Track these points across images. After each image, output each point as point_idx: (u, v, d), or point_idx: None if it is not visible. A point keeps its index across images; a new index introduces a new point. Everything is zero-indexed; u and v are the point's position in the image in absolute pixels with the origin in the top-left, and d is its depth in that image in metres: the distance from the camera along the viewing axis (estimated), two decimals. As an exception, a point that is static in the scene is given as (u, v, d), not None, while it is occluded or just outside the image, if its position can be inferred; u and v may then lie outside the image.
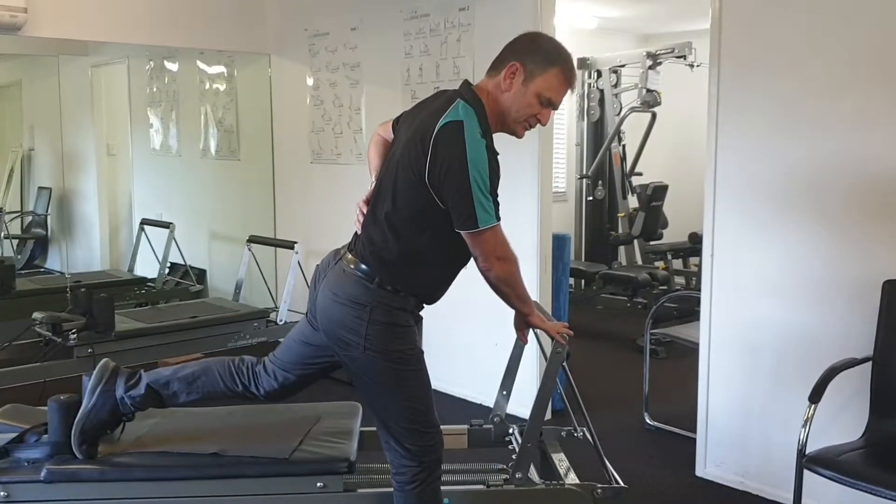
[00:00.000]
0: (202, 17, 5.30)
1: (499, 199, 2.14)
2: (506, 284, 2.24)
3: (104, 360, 2.46)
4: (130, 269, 6.36)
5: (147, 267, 6.19)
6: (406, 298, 2.22)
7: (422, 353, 2.27)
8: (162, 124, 7.00)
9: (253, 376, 2.44)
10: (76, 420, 2.36)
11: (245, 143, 6.08)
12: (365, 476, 2.59)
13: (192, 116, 6.53)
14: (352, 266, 2.22)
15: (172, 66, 6.75)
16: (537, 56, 2.19)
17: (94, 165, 8.02)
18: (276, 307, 4.90)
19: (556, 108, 2.26)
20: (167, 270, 6.12)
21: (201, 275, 6.34)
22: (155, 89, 7.03)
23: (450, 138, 2.07)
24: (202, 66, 6.35)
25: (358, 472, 2.49)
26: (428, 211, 2.13)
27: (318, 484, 2.37)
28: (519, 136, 2.30)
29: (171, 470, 2.37)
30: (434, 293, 2.32)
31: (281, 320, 4.79)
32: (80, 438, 2.35)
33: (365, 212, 2.29)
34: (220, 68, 6.19)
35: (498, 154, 2.17)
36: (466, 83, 2.25)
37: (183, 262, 6.05)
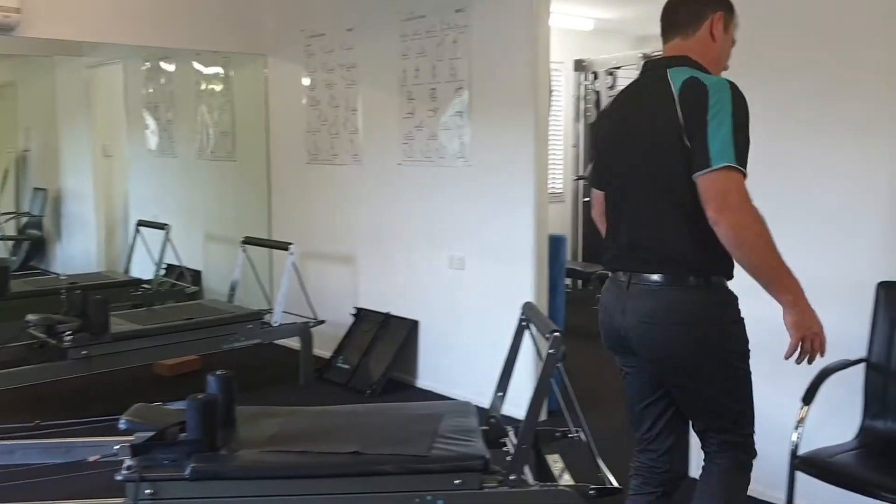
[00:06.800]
0: (198, 17, 5.30)
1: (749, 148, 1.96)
2: (741, 246, 1.89)
3: None
4: (126, 271, 6.34)
5: (143, 268, 6.18)
6: (724, 290, 2.12)
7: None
8: (158, 125, 6.99)
9: (654, 472, 2.50)
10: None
11: (241, 143, 6.07)
12: (495, 475, 2.55)
13: (187, 117, 6.52)
14: (654, 283, 2.15)
15: (168, 67, 6.75)
16: (725, 2, 2.17)
17: (89, 166, 8.01)
18: (271, 309, 4.89)
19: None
20: (163, 272, 6.11)
21: (197, 276, 6.33)
22: (151, 90, 7.02)
23: (693, 88, 1.99)
24: (198, 66, 6.35)
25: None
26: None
27: (456, 481, 2.35)
28: None
29: (313, 468, 2.37)
30: (732, 265, 2.09)
31: (275, 322, 4.78)
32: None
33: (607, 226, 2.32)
34: (217, 69, 6.19)
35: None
36: (660, 58, 2.17)
37: (178, 264, 6.03)
